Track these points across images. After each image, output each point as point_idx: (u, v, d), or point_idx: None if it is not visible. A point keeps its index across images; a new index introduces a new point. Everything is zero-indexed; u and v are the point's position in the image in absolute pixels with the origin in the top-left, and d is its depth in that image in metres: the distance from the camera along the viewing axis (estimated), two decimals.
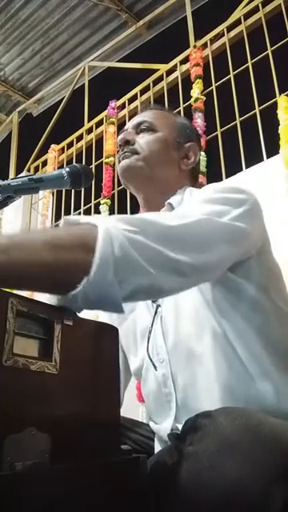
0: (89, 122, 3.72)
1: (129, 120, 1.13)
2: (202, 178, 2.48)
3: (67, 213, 3.63)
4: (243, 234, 0.78)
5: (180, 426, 0.79)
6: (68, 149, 3.88)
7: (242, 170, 2.58)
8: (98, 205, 3.31)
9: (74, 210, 3.56)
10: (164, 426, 0.86)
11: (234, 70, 2.83)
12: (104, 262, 0.58)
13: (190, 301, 0.86)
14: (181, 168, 1.05)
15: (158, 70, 3.33)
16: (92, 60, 3.93)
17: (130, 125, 1.08)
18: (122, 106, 3.54)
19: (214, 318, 0.83)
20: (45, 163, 4.00)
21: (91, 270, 0.57)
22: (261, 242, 0.87)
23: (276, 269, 0.92)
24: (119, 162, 1.04)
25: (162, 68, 3.30)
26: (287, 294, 0.91)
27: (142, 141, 1.02)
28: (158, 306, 0.91)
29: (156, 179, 1.01)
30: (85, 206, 3.51)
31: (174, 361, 0.86)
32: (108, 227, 0.61)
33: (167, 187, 0.99)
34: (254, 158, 2.57)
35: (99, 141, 3.57)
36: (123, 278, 0.59)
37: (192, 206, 0.81)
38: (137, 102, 3.37)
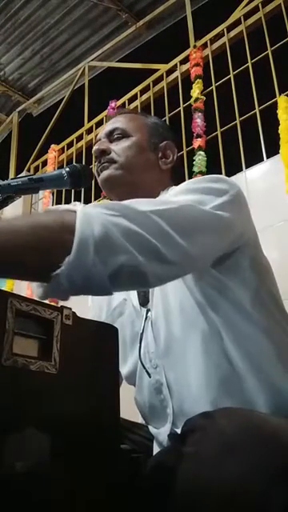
0: (89, 122, 3.72)
1: None
2: None
3: None
4: (226, 223, 0.77)
5: (178, 431, 0.79)
6: (68, 149, 3.88)
7: (242, 170, 2.57)
8: None
9: None
10: (162, 432, 0.85)
11: (234, 70, 2.83)
12: (84, 241, 0.58)
13: (179, 303, 0.85)
14: (161, 169, 1.04)
15: (158, 69, 3.33)
16: (92, 60, 3.92)
17: (102, 134, 1.06)
18: (122, 106, 3.53)
19: (206, 320, 0.82)
20: (45, 163, 3.99)
21: (72, 250, 0.57)
22: (247, 234, 0.86)
23: (266, 264, 0.91)
24: (98, 174, 1.02)
25: (162, 68, 3.30)
26: (278, 289, 0.91)
27: (117, 148, 1.01)
28: (148, 310, 0.90)
29: (138, 184, 1.00)
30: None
31: (167, 366, 0.85)
32: (87, 210, 0.61)
33: (150, 190, 0.98)
34: (253, 158, 2.56)
35: None
36: (105, 258, 0.59)
37: (175, 194, 0.80)
38: (137, 102, 3.37)
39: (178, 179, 1.07)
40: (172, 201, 0.74)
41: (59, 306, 0.61)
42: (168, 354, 0.85)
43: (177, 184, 1.03)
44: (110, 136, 1.04)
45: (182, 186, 0.83)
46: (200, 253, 0.72)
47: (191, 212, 0.73)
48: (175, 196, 0.79)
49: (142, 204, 0.68)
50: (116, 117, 1.08)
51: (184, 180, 1.07)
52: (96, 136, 3.98)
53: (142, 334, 0.89)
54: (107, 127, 1.06)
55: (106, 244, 0.59)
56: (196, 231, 0.71)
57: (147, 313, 0.90)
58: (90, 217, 0.60)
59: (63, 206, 0.64)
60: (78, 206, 0.62)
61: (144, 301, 0.92)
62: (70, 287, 0.58)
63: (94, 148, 1.03)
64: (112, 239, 0.60)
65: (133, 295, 0.95)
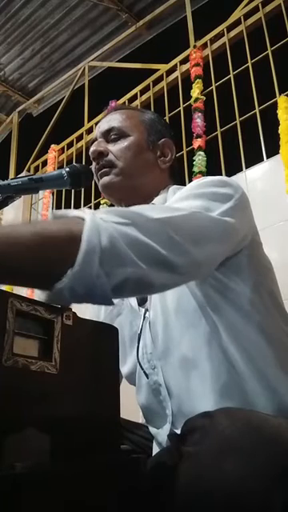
0: (89, 122, 3.72)
1: None
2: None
3: None
4: (232, 229, 0.77)
5: (178, 432, 0.78)
6: (68, 149, 3.88)
7: (242, 170, 2.58)
8: (97, 205, 3.31)
9: None
10: (162, 432, 0.85)
11: (234, 70, 2.83)
12: (89, 253, 0.57)
13: (178, 303, 0.84)
14: (160, 168, 1.02)
15: (158, 70, 3.33)
16: (92, 60, 3.93)
17: (98, 133, 1.03)
18: None
19: (206, 320, 0.81)
20: (45, 163, 4.00)
21: (76, 262, 0.56)
22: (250, 236, 0.85)
23: (267, 264, 0.91)
24: (97, 177, 1.01)
25: (162, 68, 3.30)
26: (279, 290, 0.91)
27: (116, 149, 0.99)
28: (146, 310, 0.89)
29: (138, 187, 0.98)
30: (85, 206, 3.51)
31: (165, 367, 0.85)
32: (96, 219, 0.60)
33: (151, 191, 0.97)
34: (253, 158, 2.57)
35: None
36: (110, 270, 0.58)
37: (181, 199, 0.79)
38: (137, 102, 3.37)
39: (176, 177, 1.06)
40: (180, 207, 0.73)
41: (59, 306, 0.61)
42: (166, 355, 0.84)
43: (176, 182, 1.03)
44: (107, 135, 1.01)
45: (188, 189, 0.82)
46: (207, 260, 0.73)
47: (199, 219, 0.73)
48: (182, 201, 0.78)
49: (151, 211, 0.68)
50: (111, 114, 1.05)
51: (183, 178, 1.07)
52: None
53: (139, 334, 0.88)
54: (103, 125, 1.03)
55: (111, 255, 0.58)
56: (204, 239, 0.71)
57: (145, 313, 0.89)
58: (99, 226, 0.59)
59: (72, 212, 0.63)
60: (86, 214, 0.61)
61: (142, 300, 0.92)
62: (71, 298, 0.57)
63: (92, 149, 1.01)
64: (118, 250, 0.59)
65: None
